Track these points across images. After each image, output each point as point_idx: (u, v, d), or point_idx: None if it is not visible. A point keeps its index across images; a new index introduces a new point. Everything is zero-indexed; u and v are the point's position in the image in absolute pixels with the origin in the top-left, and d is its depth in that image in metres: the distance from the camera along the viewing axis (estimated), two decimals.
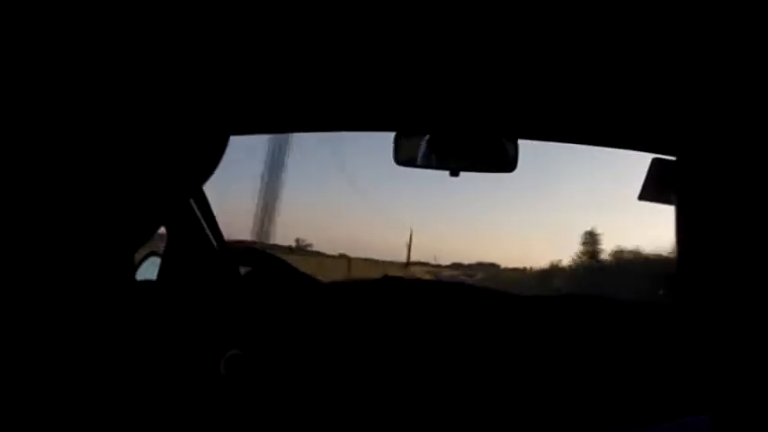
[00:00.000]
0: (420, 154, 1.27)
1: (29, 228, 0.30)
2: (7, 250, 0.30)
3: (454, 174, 1.26)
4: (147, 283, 1.25)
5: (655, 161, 1.11)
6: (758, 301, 0.36)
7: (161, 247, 1.38)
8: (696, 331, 0.47)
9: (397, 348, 1.29)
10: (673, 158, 1.07)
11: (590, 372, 1.23)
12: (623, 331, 1.31)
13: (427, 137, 1.26)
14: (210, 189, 1.48)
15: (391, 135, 1.26)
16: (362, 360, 1.13)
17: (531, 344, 1.28)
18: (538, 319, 1.39)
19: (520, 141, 1.24)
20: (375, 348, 1.26)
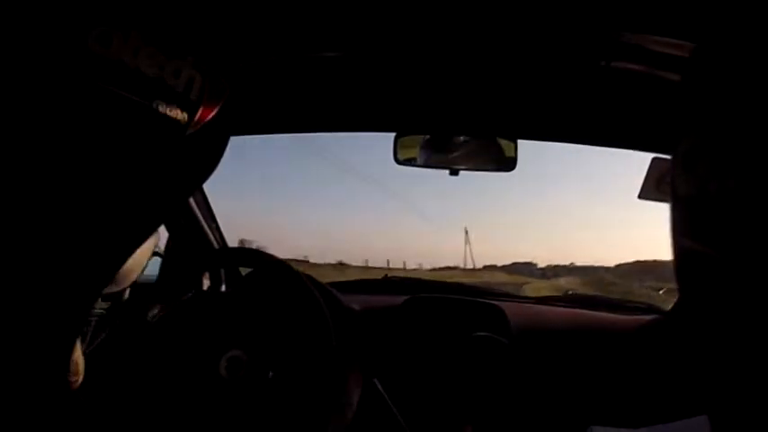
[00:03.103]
0: (420, 154, 1.27)
1: (28, 226, 0.31)
2: (7, 250, 0.30)
3: (454, 173, 1.26)
4: (146, 282, 1.25)
5: (655, 161, 1.11)
6: (758, 301, 0.36)
7: (161, 246, 1.38)
8: (694, 333, 0.47)
9: (399, 347, 1.29)
10: (672, 159, 1.07)
11: (589, 372, 1.23)
12: (621, 332, 1.31)
13: (427, 137, 1.26)
14: (211, 189, 1.49)
15: None
16: (362, 359, 1.13)
17: (529, 343, 1.28)
18: (538, 319, 1.39)
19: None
20: (377, 348, 1.26)
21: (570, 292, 2.02)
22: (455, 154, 1.27)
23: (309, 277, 1.12)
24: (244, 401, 0.96)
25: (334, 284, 1.43)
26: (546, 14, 0.77)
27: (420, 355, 1.28)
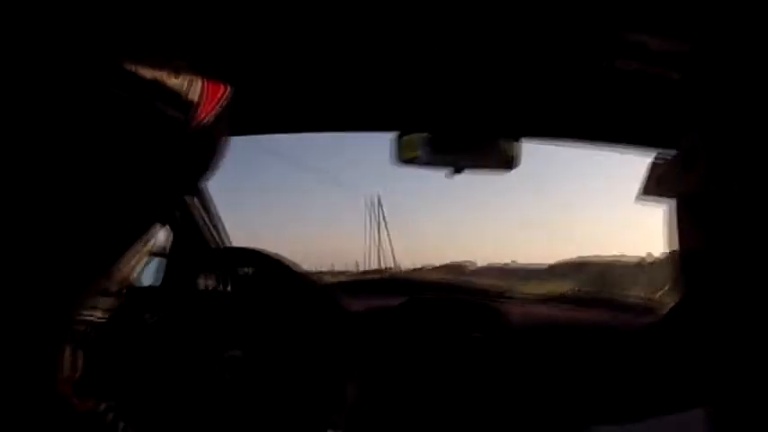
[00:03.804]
0: (420, 153, 1.27)
1: (29, 226, 0.31)
2: (8, 248, 0.30)
3: (455, 172, 1.26)
4: (147, 282, 1.25)
5: (655, 161, 1.11)
6: (757, 299, 0.36)
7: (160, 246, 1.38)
8: (695, 328, 0.47)
9: (398, 348, 1.29)
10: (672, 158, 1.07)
11: (588, 372, 1.23)
12: (620, 332, 1.31)
13: (427, 136, 1.26)
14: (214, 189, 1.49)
15: None
16: (363, 358, 1.13)
17: (528, 344, 1.28)
18: (537, 319, 1.39)
19: None
20: (376, 347, 1.27)
21: (570, 292, 2.01)
22: (456, 153, 1.27)
23: (309, 278, 1.13)
24: (244, 401, 0.96)
25: (333, 284, 1.43)
26: (547, 14, 0.77)
27: (419, 355, 1.28)
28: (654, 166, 1.10)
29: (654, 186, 1.09)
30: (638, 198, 1.12)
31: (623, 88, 0.98)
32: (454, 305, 1.34)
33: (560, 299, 1.63)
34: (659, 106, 1.00)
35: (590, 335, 1.30)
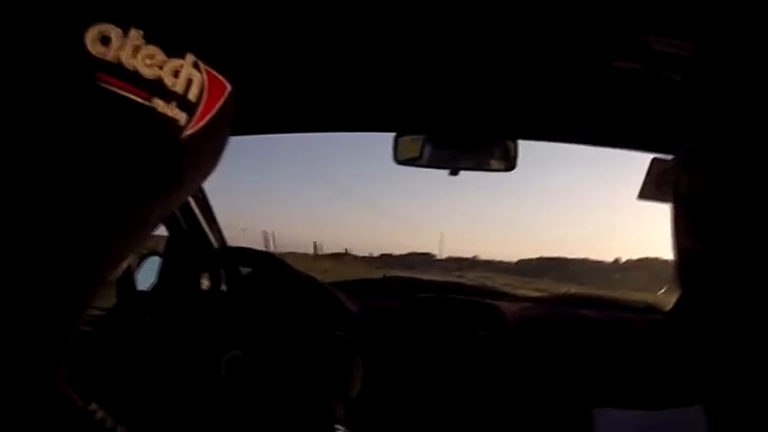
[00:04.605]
0: (420, 153, 1.27)
1: (23, 227, 0.30)
2: (6, 249, 0.30)
3: (454, 173, 1.26)
4: (145, 281, 1.25)
5: (654, 161, 1.11)
6: (758, 300, 0.36)
7: (161, 247, 1.38)
8: (695, 329, 0.47)
9: (399, 348, 1.29)
10: (673, 160, 1.07)
11: (588, 372, 1.23)
12: (620, 332, 1.31)
13: (427, 137, 1.26)
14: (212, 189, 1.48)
15: None
16: (367, 357, 1.13)
17: (527, 344, 1.28)
18: (536, 319, 1.39)
19: None
20: (377, 347, 1.27)
21: (571, 292, 2.02)
22: (455, 154, 1.27)
23: (310, 277, 1.12)
24: (244, 401, 0.96)
25: (332, 284, 1.43)
26: (547, 14, 0.77)
27: (418, 355, 1.28)
28: (653, 168, 1.11)
29: (653, 187, 1.09)
30: (637, 199, 1.13)
31: (624, 89, 0.98)
32: (458, 304, 1.34)
33: (559, 299, 1.63)
34: (660, 108, 1.00)
35: (590, 334, 1.30)
